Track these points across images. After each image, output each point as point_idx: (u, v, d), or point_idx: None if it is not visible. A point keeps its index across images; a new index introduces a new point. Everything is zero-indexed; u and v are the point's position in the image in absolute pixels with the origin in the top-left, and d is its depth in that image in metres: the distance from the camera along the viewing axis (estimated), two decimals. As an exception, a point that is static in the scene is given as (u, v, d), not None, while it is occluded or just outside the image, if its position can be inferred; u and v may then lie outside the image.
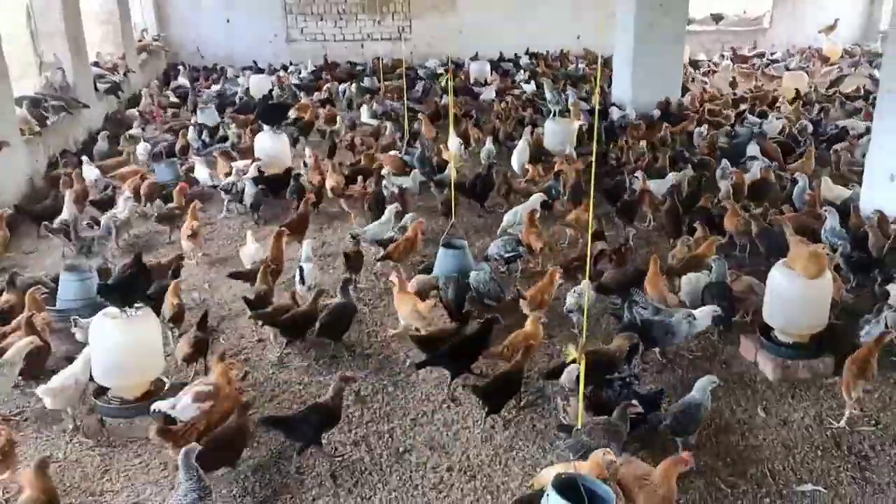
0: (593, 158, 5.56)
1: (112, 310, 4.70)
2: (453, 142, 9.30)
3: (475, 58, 18.50)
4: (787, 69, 17.48)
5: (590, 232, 4.83)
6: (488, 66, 17.29)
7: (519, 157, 9.74)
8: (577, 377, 4.31)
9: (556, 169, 8.91)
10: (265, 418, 4.49)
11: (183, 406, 4.28)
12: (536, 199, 7.70)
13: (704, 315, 5.14)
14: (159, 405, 4.31)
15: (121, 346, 4.60)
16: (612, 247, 6.86)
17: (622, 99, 13.57)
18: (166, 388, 4.89)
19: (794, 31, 21.83)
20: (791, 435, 4.57)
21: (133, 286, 5.28)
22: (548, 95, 11.13)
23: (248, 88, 14.56)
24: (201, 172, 9.31)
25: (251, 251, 6.88)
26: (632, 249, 6.91)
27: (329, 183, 8.91)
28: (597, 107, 10.45)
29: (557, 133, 10.52)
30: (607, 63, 18.93)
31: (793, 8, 21.68)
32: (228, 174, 9.04)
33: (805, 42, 21.24)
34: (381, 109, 13.04)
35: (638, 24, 13.16)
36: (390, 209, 7.50)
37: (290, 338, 5.64)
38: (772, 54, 20.21)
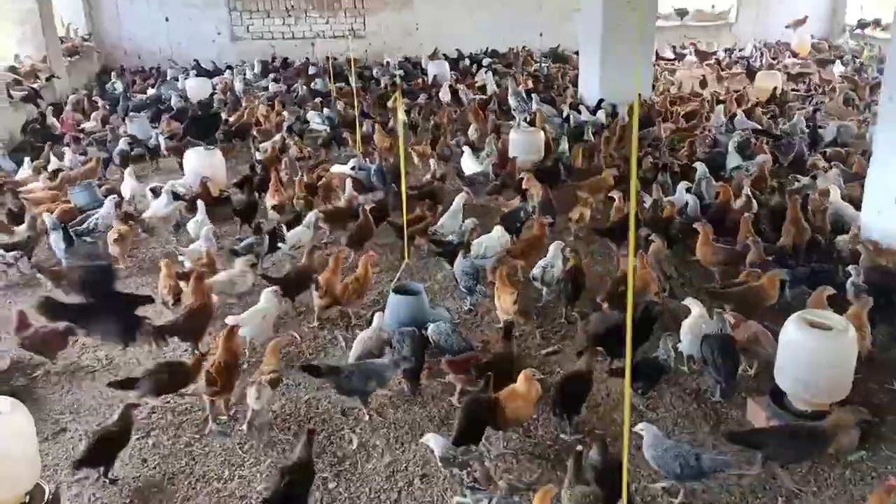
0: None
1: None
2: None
3: (434, 56, 17.56)
4: (750, 66, 16.88)
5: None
6: (447, 66, 16.33)
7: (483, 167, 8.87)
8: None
9: (523, 187, 8.02)
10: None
11: (265, 399, 4.57)
12: (499, 232, 6.76)
13: None
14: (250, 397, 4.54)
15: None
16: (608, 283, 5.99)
17: (589, 100, 12.78)
18: (48, 498, 3.85)
19: (760, 27, 21.35)
20: (821, 539, 3.76)
21: None
22: (511, 102, 10.17)
23: (185, 93, 13.34)
24: (127, 185, 8.38)
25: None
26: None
27: (270, 201, 8.01)
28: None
29: (523, 144, 9.61)
30: (563, 59, 18.38)
31: (758, 3, 21.18)
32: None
33: (772, 37, 20.75)
34: (332, 115, 11.99)
35: (606, 21, 12.43)
36: (459, 198, 7.34)
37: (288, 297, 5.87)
38: (739, 50, 19.66)
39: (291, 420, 4.74)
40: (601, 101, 12.23)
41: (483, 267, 6.46)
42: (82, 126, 11.13)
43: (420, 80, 15.48)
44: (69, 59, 14.62)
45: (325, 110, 12.21)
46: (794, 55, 19.03)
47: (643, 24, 12.74)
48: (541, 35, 18.86)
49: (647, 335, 5.06)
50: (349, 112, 12.08)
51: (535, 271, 6.10)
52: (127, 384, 4.64)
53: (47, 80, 12.81)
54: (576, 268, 5.99)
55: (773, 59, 18.41)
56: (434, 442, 4.01)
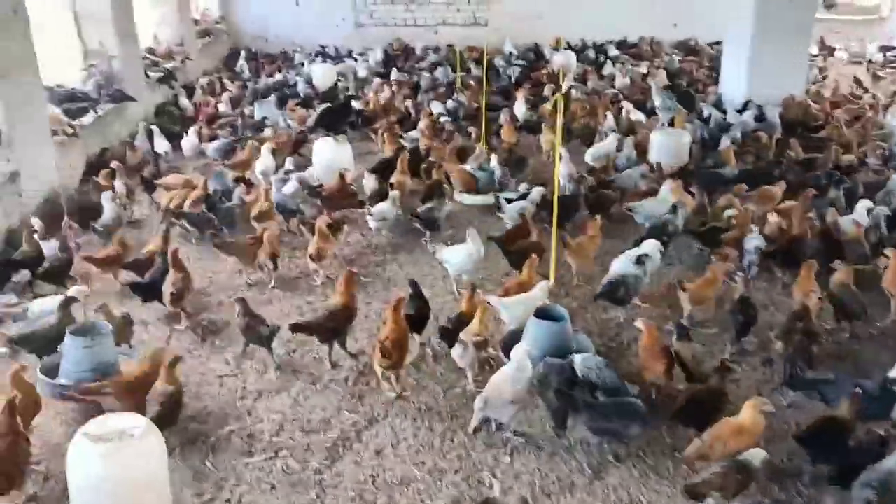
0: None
1: (95, 428, 3.43)
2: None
3: (557, 45, 16.79)
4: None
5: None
6: (574, 56, 15.54)
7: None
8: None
9: (673, 199, 7.26)
10: None
11: (469, 358, 4.82)
12: (653, 247, 6.08)
13: None
14: (454, 352, 4.83)
15: (107, 481, 3.32)
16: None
17: (732, 99, 11.73)
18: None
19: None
20: None
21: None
22: (656, 101, 9.37)
23: (311, 79, 13.27)
24: (263, 162, 8.48)
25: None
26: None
27: (394, 178, 8.01)
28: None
29: (668, 148, 8.82)
30: (694, 52, 17.09)
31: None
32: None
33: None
34: (455, 106, 11.54)
35: (759, 11, 11.33)
36: (667, 184, 7.29)
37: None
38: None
39: (425, 452, 4.34)
40: (748, 101, 11.19)
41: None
42: (214, 109, 11.20)
43: (544, 71, 14.82)
44: (200, 40, 14.91)
45: (449, 101, 11.80)
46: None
47: (801, 15, 11.54)
48: (675, 25, 17.70)
49: None
50: (473, 104, 11.66)
51: (748, 244, 6.12)
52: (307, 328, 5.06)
53: (182, 62, 13.04)
54: (745, 297, 5.28)
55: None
56: None
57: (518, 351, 4.39)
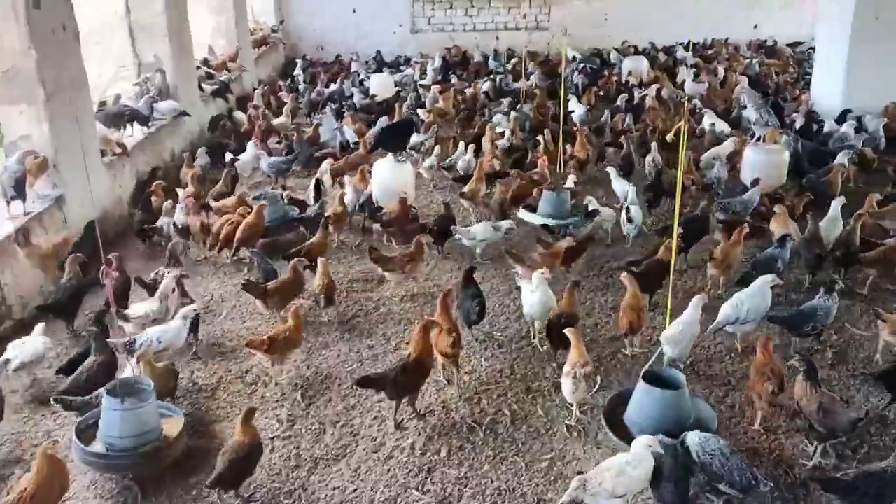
0: None
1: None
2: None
3: (625, 49, 15.86)
4: None
5: None
6: (645, 61, 14.58)
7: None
8: None
9: (777, 230, 6.39)
10: None
11: (581, 393, 4.50)
12: (767, 281, 5.23)
13: None
14: (565, 390, 4.52)
15: None
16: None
17: (826, 108, 10.69)
18: None
19: None
20: None
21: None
22: (751, 115, 8.43)
23: (367, 89, 12.71)
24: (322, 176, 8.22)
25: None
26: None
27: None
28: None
29: (762, 165, 7.91)
30: (773, 54, 15.84)
31: None
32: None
33: None
34: (520, 117, 10.80)
35: (858, 12, 10.30)
36: (837, 202, 6.71)
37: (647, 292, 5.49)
38: None
39: None
40: (846, 111, 10.15)
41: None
42: (270, 122, 10.69)
43: (613, 78, 13.91)
44: (256, 50, 14.53)
45: (513, 113, 11.06)
46: None
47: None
48: (755, 27, 16.54)
49: None
50: (538, 115, 10.92)
51: None
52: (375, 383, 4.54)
53: (238, 73, 12.66)
54: None
55: None
56: None
57: (640, 443, 3.62)
